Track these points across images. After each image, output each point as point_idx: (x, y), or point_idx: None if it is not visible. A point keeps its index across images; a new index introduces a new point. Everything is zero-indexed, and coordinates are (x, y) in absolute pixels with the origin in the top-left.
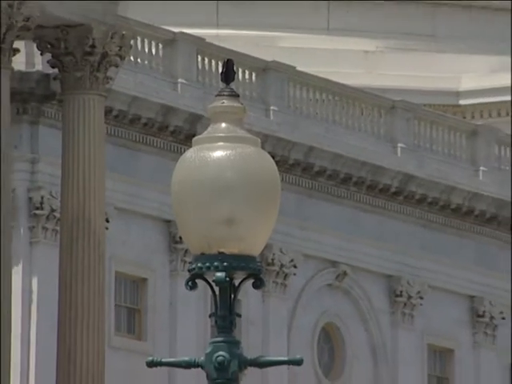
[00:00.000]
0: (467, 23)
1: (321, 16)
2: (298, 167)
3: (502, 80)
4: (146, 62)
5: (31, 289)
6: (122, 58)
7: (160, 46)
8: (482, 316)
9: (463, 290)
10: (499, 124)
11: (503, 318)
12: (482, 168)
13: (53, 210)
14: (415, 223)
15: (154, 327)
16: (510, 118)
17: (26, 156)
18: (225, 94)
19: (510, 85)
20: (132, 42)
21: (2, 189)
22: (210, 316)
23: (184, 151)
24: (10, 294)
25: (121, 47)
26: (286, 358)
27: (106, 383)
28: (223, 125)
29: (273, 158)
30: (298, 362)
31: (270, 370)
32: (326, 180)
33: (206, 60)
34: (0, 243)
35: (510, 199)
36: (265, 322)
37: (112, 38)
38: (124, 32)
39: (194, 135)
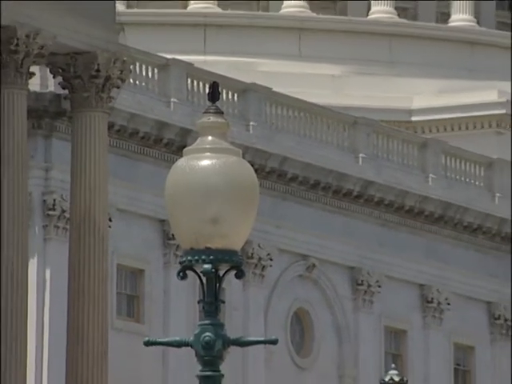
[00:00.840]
0: (419, 52)
1: (293, 44)
2: (273, 174)
3: (448, 100)
4: (143, 84)
5: (45, 279)
6: (122, 80)
7: (155, 70)
8: (431, 302)
9: (415, 280)
10: (446, 137)
11: (448, 304)
12: (431, 175)
13: (63, 211)
14: (374, 222)
15: (150, 312)
16: (455, 132)
17: (41, 165)
18: (211, 111)
19: (454, 104)
20: (131, 66)
21: (20, 193)
22: (198, 302)
23: (176, 160)
24: (26, 284)
25: (122, 71)
26: (263, 339)
27: (109, 360)
28: (209, 138)
29: (252, 166)
30: (274, 342)
31: (249, 348)
32: (297, 185)
33: (195, 82)
34: (18, 240)
35: (454, 202)
36: (245, 308)
37: (114, 63)
38: (124, 58)
39: (184, 146)
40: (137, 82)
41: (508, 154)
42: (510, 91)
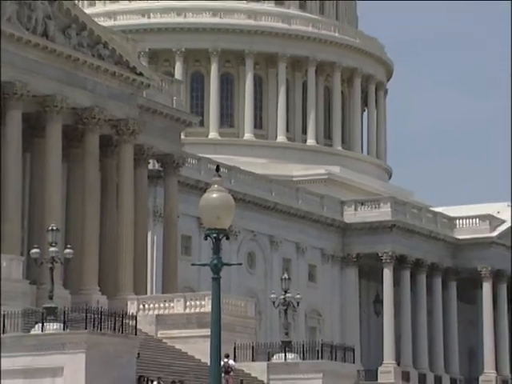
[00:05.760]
0: (293, 155)
1: (249, 151)
2: (240, 199)
3: (305, 172)
4: (191, 166)
5: (154, 241)
6: (183, 164)
7: (195, 161)
8: (300, 249)
9: (294, 241)
10: (307, 186)
11: (306, 249)
12: (300, 201)
13: (160, 214)
14: (277, 219)
15: (194, 253)
16: (310, 184)
17: (152, 196)
18: (216, 176)
19: (308, 173)
20: (187, 159)
21: (144, 208)
22: (211, 249)
23: (203, 194)
24: (146, 243)
25: (183, 162)
26: (236, 262)
27: (178, 271)
28: (216, 186)
29: (232, 196)
30: (240, 264)
31: (231, 267)
32: (250, 204)
33: (211, 165)
34: (143, 226)
35: (309, 211)
36: (230, 251)
37: (179, 159)
38: (184, 156)
39: (207, 189)
40: (187, 165)
41: (333, 193)
42: (333, 170)
